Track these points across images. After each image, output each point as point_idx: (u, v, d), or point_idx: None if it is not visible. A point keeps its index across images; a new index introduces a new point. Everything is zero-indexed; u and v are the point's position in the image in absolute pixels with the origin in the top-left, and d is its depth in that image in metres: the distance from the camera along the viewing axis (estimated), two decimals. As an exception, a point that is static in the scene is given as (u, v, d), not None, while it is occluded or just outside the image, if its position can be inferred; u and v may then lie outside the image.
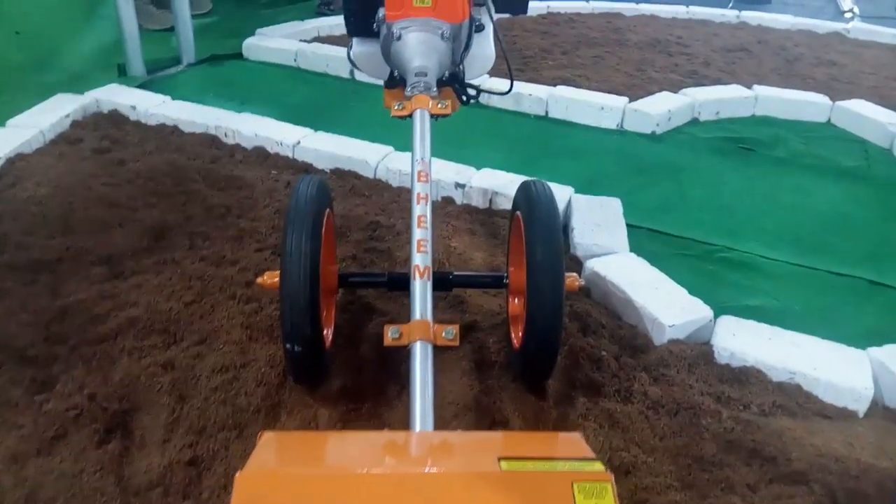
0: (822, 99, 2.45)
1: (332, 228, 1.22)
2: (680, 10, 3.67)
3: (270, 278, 1.10)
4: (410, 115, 1.08)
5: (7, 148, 1.80)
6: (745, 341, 1.25)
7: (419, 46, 1.12)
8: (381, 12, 1.16)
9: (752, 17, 3.59)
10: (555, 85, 2.54)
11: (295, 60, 2.72)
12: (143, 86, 2.39)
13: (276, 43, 2.78)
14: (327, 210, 1.15)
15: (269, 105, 2.35)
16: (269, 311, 1.30)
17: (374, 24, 1.18)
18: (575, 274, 1.16)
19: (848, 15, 3.96)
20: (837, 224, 1.82)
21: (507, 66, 1.27)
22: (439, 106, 1.08)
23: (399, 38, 1.13)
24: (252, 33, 2.89)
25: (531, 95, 2.43)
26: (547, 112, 2.42)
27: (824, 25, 3.49)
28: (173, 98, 2.18)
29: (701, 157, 2.16)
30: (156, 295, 1.34)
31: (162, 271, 1.41)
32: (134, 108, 2.08)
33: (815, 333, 1.29)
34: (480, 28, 1.24)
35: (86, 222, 1.56)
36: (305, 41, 2.88)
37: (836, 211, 1.88)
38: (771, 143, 2.25)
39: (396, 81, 1.23)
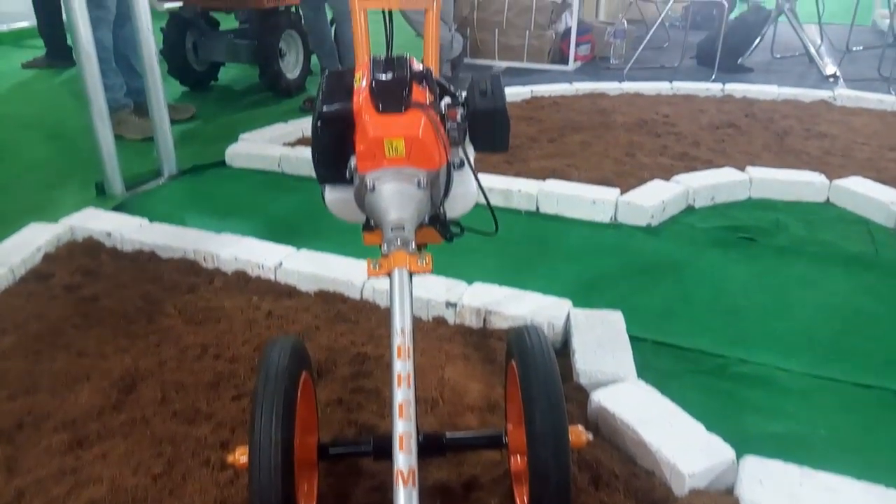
0: (818, 178, 2.39)
1: (311, 394, 1.11)
2: (664, 87, 3.67)
3: (241, 454, 0.98)
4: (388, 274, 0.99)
5: (-27, 291, 1.71)
6: (775, 489, 1.12)
7: (395, 198, 1.04)
8: (353, 161, 1.08)
9: (737, 89, 3.59)
10: (544, 178, 2.49)
11: (279, 166, 2.67)
12: (121, 206, 2.32)
13: (259, 149, 2.74)
14: (303, 375, 1.05)
15: (252, 217, 2.29)
16: (244, 481, 1.18)
17: (347, 172, 1.10)
18: (580, 427, 1.04)
19: (832, 80, 3.97)
20: (852, 322, 1.71)
21: (489, 209, 1.18)
22: (420, 263, 0.98)
23: (373, 189, 1.05)
24: (235, 137, 2.86)
25: (520, 191, 2.37)
26: (538, 207, 2.35)
27: (809, 94, 3.49)
28: (151, 220, 2.10)
29: (701, 250, 2.08)
30: (121, 467, 1.21)
31: (130, 434, 1.30)
32: (109, 234, 2.01)
33: (849, 467, 1.17)
34: (461, 165, 1.16)
35: (50, 377, 1.45)
36: (289, 144, 2.85)
37: (848, 306, 1.78)
38: (771, 229, 2.17)
39: (373, 226, 1.14)
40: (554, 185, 2.38)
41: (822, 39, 4.68)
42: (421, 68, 1.10)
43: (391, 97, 1.03)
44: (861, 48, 4.80)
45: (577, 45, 4.43)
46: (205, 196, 2.48)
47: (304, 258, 1.88)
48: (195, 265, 1.90)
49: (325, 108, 1.06)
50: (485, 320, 1.66)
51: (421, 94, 1.06)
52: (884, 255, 2.03)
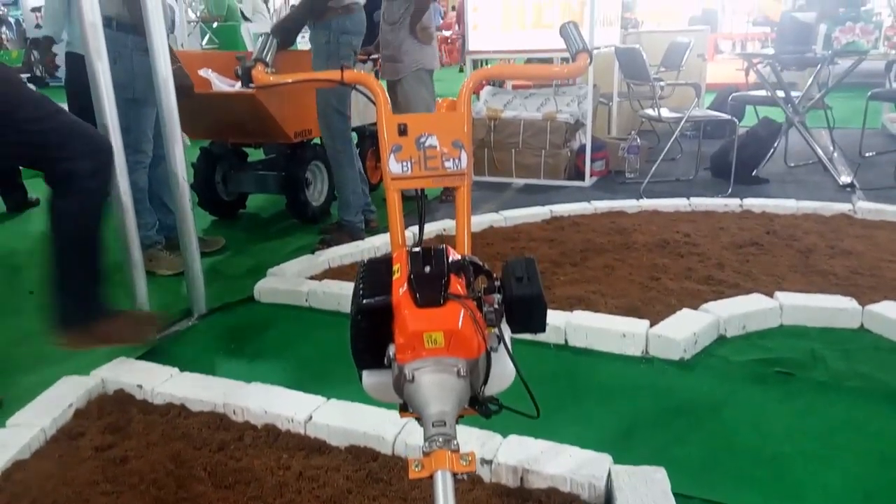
0: (850, 304, 2.36)
1: None
2: (682, 203, 3.72)
3: None
4: (430, 477, 0.97)
5: (5, 456, 1.70)
6: None
7: (434, 389, 1.03)
8: (392, 350, 1.09)
9: (755, 204, 3.63)
10: (570, 307, 2.49)
11: (306, 301, 2.71)
12: (152, 351, 2.34)
13: (286, 284, 2.79)
14: None
15: (282, 360, 2.30)
16: None
17: (385, 359, 1.10)
18: None
19: (848, 189, 4.01)
20: (908, 471, 1.63)
21: (528, 391, 1.16)
22: (462, 463, 0.96)
23: (412, 379, 1.05)
24: (263, 270, 2.92)
25: (549, 324, 2.35)
26: (566, 341, 2.34)
27: (829, 207, 3.51)
28: (182, 368, 2.11)
29: (738, 387, 2.03)
30: None
31: None
32: (140, 387, 2.01)
33: None
34: (498, 344, 1.16)
35: (78, 557, 1.41)
36: (316, 277, 2.90)
37: (900, 452, 1.70)
38: (808, 362, 2.12)
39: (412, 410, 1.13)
40: (582, 317, 2.37)
41: (833, 147, 4.77)
42: (458, 258, 1.12)
43: (429, 290, 1.05)
44: (874, 153, 4.86)
45: (592, 161, 4.55)
46: (234, 337, 2.49)
47: (333, 410, 1.85)
48: (225, 419, 1.89)
49: (364, 301, 1.08)
50: (522, 479, 1.61)
51: (458, 283, 1.09)
52: (929, 389, 1.96)
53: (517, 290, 1.12)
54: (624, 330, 2.27)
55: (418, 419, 1.05)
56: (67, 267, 2.03)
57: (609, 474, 1.56)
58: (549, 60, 5.57)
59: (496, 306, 1.11)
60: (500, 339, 1.13)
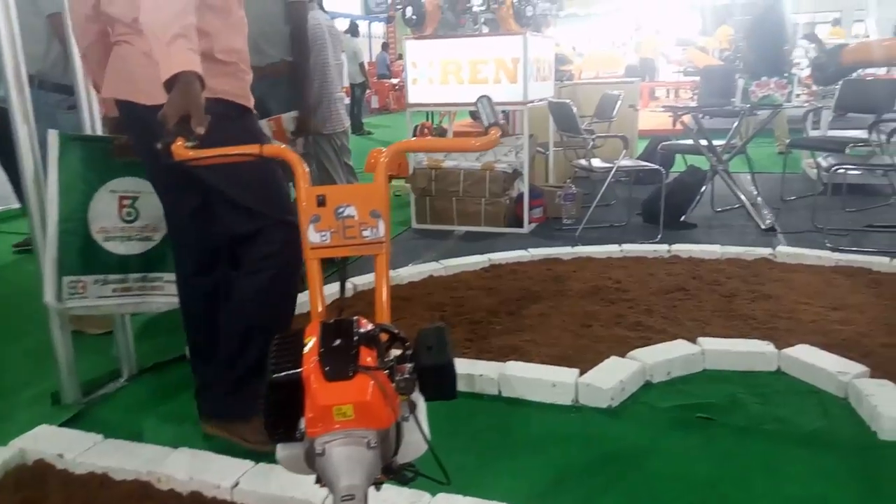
0: (767, 347, 2.48)
1: None
2: (614, 250, 3.85)
3: None
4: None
5: None
6: None
7: (344, 463, 1.05)
8: (303, 422, 1.10)
9: (683, 249, 3.79)
10: (505, 355, 2.54)
11: (240, 358, 2.67)
12: (78, 416, 2.27)
13: (220, 341, 2.75)
14: None
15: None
16: None
17: (297, 433, 1.11)
18: None
19: (770, 233, 4.22)
20: (818, 513, 1.71)
21: (437, 460, 1.18)
22: None
23: (322, 453, 1.06)
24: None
25: (482, 376, 2.40)
26: (500, 391, 2.37)
27: (752, 252, 3.69)
28: (106, 435, 2.05)
29: (662, 434, 2.09)
30: None
31: None
32: (61, 456, 1.95)
33: None
34: (412, 406, 1.18)
35: None
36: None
37: (812, 495, 1.78)
38: (728, 407, 2.21)
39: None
40: (515, 368, 2.42)
41: (757, 191, 5.03)
42: (369, 328, 1.15)
43: (338, 364, 1.07)
44: (794, 198, 5.14)
45: (531, 208, 4.68)
46: (165, 398, 2.44)
47: (261, 475, 1.83)
48: (149, 487, 1.84)
49: (275, 376, 1.09)
50: (450, 539, 1.62)
51: (369, 354, 1.11)
52: (839, 431, 2.06)
53: (426, 360, 1.14)
54: (554, 380, 2.32)
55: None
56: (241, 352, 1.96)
57: (534, 529, 1.59)
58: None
59: (407, 375, 1.13)
60: (412, 408, 1.15)
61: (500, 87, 4.42)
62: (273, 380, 1.09)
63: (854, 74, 5.88)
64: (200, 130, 1.43)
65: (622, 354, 2.49)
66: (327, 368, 1.06)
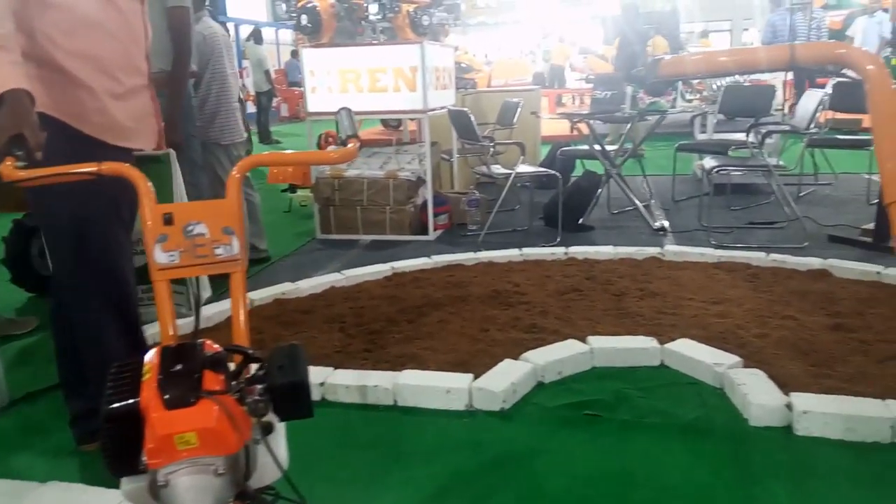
0: (651, 343, 2.59)
1: None
2: (514, 254, 3.93)
3: None
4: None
5: None
6: None
7: (189, 493, 1.00)
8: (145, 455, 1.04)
9: (579, 251, 3.91)
10: (401, 364, 2.54)
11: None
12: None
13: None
14: None
15: (85, 453, 2.12)
16: None
17: (141, 465, 1.05)
18: None
19: (661, 233, 4.42)
20: (694, 500, 1.79)
21: (290, 483, 1.15)
22: None
23: (166, 485, 1.01)
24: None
25: (376, 387, 2.38)
26: (395, 401, 2.36)
27: (642, 251, 3.85)
28: (-35, 474, 1.90)
29: (551, 433, 2.14)
30: None
31: None
32: None
33: None
34: (269, 430, 1.15)
35: None
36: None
37: (689, 482, 1.87)
38: (614, 403, 2.29)
39: None
40: (410, 377, 2.41)
41: (650, 193, 5.27)
42: (215, 351, 1.11)
43: (178, 391, 1.02)
44: (685, 198, 5.42)
45: (436, 215, 4.70)
46: (37, 430, 2.28)
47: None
48: (11, 528, 1.71)
49: (110, 408, 1.03)
50: (333, 555, 1.59)
51: (214, 378, 1.06)
52: (715, 419, 2.18)
53: (278, 379, 1.10)
54: (448, 386, 2.33)
55: None
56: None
57: (419, 539, 1.59)
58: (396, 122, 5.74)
59: (258, 396, 1.09)
60: (267, 431, 1.12)
61: (400, 95, 4.43)
62: (108, 412, 1.03)
63: (741, 79, 6.28)
64: (38, 155, 1.34)
65: (516, 357, 2.53)
66: (167, 396, 1.01)
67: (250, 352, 1.15)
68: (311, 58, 4.48)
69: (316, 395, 2.41)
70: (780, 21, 6.76)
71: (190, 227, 1.22)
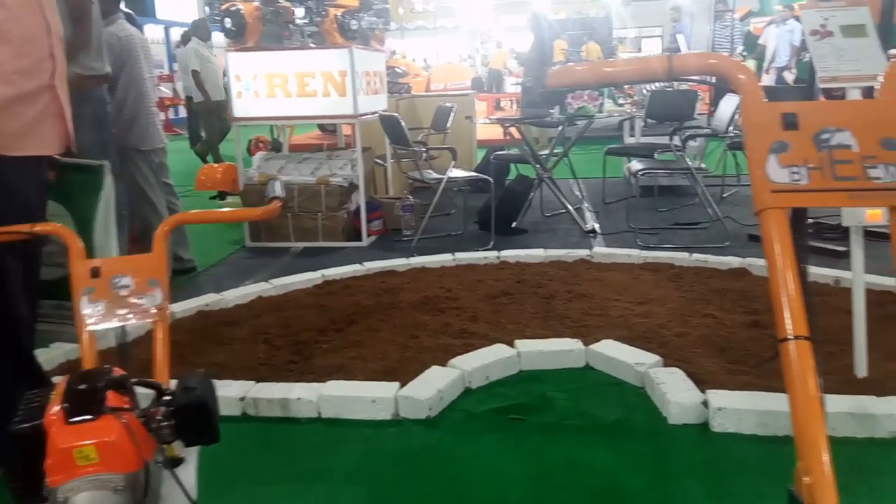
0: (576, 345, 2.62)
1: None
2: (447, 259, 3.93)
3: None
4: None
5: None
6: None
7: None
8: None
9: (511, 255, 3.94)
10: (328, 375, 2.49)
11: None
12: None
13: None
14: None
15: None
16: None
17: (45, 492, 1.03)
18: None
19: (591, 235, 4.51)
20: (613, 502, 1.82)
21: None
22: None
23: (65, 502, 0.99)
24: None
25: (300, 399, 2.32)
26: (320, 413, 2.31)
27: (572, 254, 3.91)
28: None
29: (476, 439, 2.14)
30: None
31: None
32: None
33: None
34: (178, 462, 1.13)
35: None
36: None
37: (609, 483, 1.89)
38: (539, 406, 2.30)
39: None
40: (334, 387, 2.37)
41: (582, 196, 5.36)
42: (122, 374, 1.11)
43: (80, 404, 1.03)
44: (615, 200, 5.54)
45: (369, 221, 4.66)
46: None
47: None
48: None
49: (14, 428, 1.04)
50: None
51: (118, 398, 1.07)
52: (636, 419, 2.21)
53: (182, 400, 1.12)
54: (374, 395, 2.30)
55: None
56: None
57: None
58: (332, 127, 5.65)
59: (160, 418, 1.08)
60: (174, 462, 1.11)
61: (330, 100, 4.37)
62: (13, 432, 1.03)
63: (666, 85, 6.46)
64: None
65: (445, 363, 2.52)
66: (68, 410, 1.02)
67: (162, 387, 1.16)
68: (237, 62, 4.37)
69: (237, 411, 2.34)
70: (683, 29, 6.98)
71: (116, 280, 1.31)
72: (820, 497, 0.85)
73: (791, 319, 0.85)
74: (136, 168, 3.76)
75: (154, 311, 1.33)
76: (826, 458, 0.87)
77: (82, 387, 1.05)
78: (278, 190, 1.55)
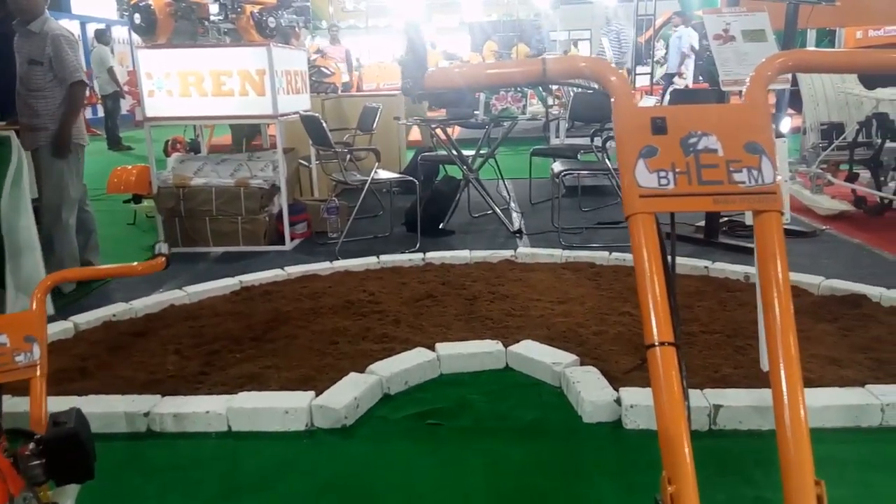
0: (496, 346, 2.61)
1: None
2: (372, 262, 3.86)
3: None
4: None
5: None
6: None
7: None
8: None
9: (436, 257, 3.90)
10: (240, 385, 2.40)
11: None
12: None
13: None
14: None
15: None
16: None
17: None
18: None
19: (517, 235, 4.53)
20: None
21: None
22: None
23: None
24: None
25: (208, 413, 2.22)
26: (229, 427, 2.22)
27: (497, 254, 3.91)
28: None
29: (392, 447, 2.09)
30: None
31: None
32: None
33: None
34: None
35: None
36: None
37: (524, 485, 1.88)
38: (457, 410, 2.28)
39: None
40: (245, 399, 2.28)
41: (509, 196, 5.40)
42: None
43: None
44: (542, 200, 5.60)
45: (293, 224, 4.55)
46: None
47: None
48: None
49: None
50: None
51: None
52: (552, 419, 2.22)
53: (51, 433, 1.06)
54: (287, 406, 2.22)
55: None
56: None
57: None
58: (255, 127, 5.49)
59: (29, 455, 1.01)
60: (37, 499, 1.03)
61: (248, 99, 4.23)
62: None
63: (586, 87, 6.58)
64: None
65: (362, 370, 2.46)
66: None
67: (34, 434, 1.08)
68: (148, 59, 4.17)
69: (141, 427, 2.21)
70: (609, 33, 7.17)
71: None
72: (683, 504, 0.84)
73: (657, 326, 0.85)
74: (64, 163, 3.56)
75: (31, 366, 1.33)
76: (689, 464, 0.87)
77: None
78: (164, 249, 1.67)
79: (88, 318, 3.05)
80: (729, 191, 0.89)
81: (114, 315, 3.12)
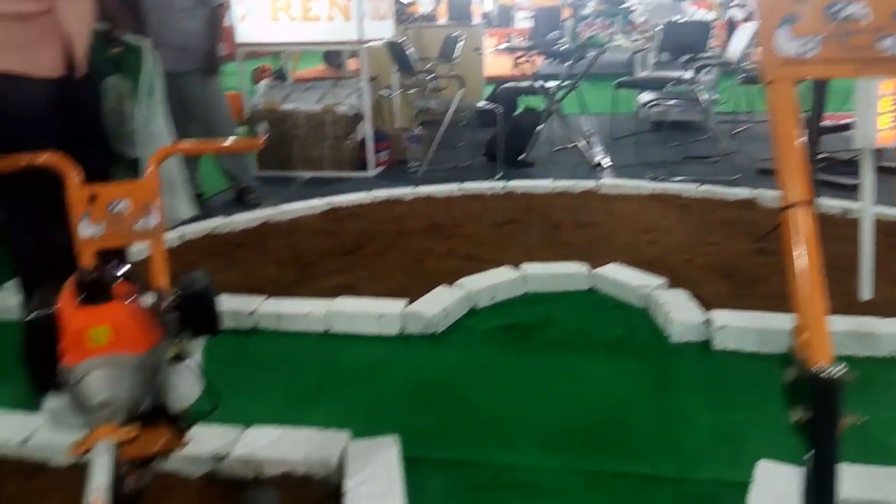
0: (582, 269, 2.64)
1: None
2: (454, 188, 3.91)
3: None
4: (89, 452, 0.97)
5: None
6: None
7: (100, 382, 1.05)
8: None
9: (518, 185, 3.92)
10: (336, 293, 2.52)
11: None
12: None
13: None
14: None
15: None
16: None
17: (60, 378, 1.08)
18: None
19: (598, 169, 4.47)
20: (612, 410, 1.86)
21: (212, 391, 1.18)
22: (128, 432, 0.99)
23: (80, 380, 1.04)
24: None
25: (308, 314, 2.37)
26: (329, 329, 2.36)
27: (580, 185, 3.89)
28: None
29: (479, 354, 2.18)
30: None
31: None
32: None
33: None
34: (183, 357, 1.16)
35: None
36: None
37: (609, 394, 1.94)
38: (543, 324, 2.34)
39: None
40: (343, 304, 2.41)
41: (591, 130, 5.29)
42: (128, 267, 1.17)
43: (93, 289, 1.07)
44: (626, 135, 5.46)
45: (377, 151, 4.63)
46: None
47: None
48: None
49: (28, 317, 1.08)
50: (257, 469, 1.59)
51: (126, 287, 1.12)
52: (637, 337, 2.25)
53: (185, 290, 1.18)
54: (381, 311, 2.34)
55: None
56: None
57: (343, 450, 1.60)
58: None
59: (164, 310, 1.14)
60: (178, 357, 1.15)
61: (333, 24, 4.27)
62: (26, 320, 1.08)
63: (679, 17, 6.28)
64: None
65: (451, 284, 2.55)
66: (81, 296, 1.06)
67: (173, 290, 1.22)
68: (239, -18, 4.26)
69: (248, 323, 2.38)
70: None
71: (113, 204, 1.35)
72: (815, 353, 0.88)
73: (795, 186, 0.85)
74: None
75: (149, 231, 1.40)
76: (822, 314, 0.90)
77: (92, 277, 1.10)
78: (263, 129, 1.69)
79: (194, 230, 3.25)
80: (874, 57, 0.87)
81: (215, 228, 3.31)
